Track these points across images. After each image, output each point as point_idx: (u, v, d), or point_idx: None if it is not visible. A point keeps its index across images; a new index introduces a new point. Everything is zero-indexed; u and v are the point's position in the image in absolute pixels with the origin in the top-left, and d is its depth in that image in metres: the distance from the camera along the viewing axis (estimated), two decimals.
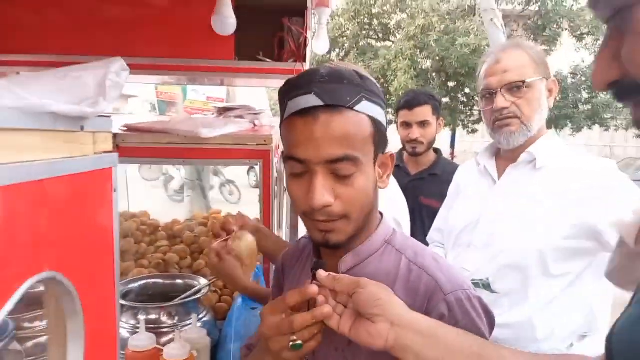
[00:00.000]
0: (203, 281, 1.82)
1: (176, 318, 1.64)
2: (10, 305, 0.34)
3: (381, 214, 0.98)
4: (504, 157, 1.51)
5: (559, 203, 1.33)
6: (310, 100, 0.80)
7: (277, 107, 0.91)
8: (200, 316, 1.68)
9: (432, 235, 1.84)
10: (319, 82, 0.81)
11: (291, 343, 0.77)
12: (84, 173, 0.43)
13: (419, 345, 0.72)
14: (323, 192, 0.80)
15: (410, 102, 2.41)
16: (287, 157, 0.84)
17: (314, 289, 0.79)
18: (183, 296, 1.72)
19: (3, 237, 0.33)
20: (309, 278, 0.87)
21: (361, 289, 0.76)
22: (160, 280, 1.87)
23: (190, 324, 1.58)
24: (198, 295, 1.72)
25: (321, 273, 0.80)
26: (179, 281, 1.86)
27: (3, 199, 0.33)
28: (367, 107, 0.83)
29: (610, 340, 0.57)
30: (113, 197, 0.49)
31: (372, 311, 0.74)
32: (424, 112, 2.39)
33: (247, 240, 1.21)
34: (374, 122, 0.84)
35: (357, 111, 0.81)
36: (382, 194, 0.98)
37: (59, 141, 0.40)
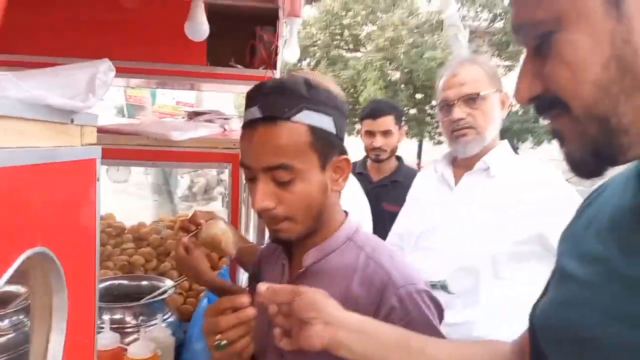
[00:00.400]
0: (169, 282, 1.84)
1: (141, 318, 1.65)
2: (8, 274, 0.38)
3: (346, 212, 1.04)
4: (460, 165, 1.60)
5: (510, 210, 1.42)
6: (254, 112, 0.89)
7: (243, 113, 0.99)
8: (165, 317, 1.69)
9: (391, 239, 1.92)
10: (263, 94, 0.90)
11: (215, 343, 0.84)
12: (73, 162, 0.48)
13: (351, 341, 0.76)
14: (263, 197, 0.89)
15: (373, 111, 2.51)
16: (241, 164, 0.94)
17: (242, 300, 0.86)
18: (149, 297, 1.74)
19: (4, 212, 0.37)
20: (279, 275, 0.99)
21: (299, 296, 0.80)
22: (126, 282, 1.88)
23: (155, 324, 1.60)
24: (164, 296, 1.73)
25: (260, 287, 0.83)
26: (144, 282, 1.87)
27: (5, 178, 0.37)
28: (307, 117, 0.89)
29: (532, 320, 0.64)
30: (96, 186, 0.53)
31: (309, 315, 0.78)
32: (387, 121, 2.49)
33: (221, 225, 1.23)
34: (314, 130, 0.90)
35: (293, 121, 0.88)
36: (344, 199, 1.05)
37: (52, 131, 0.45)
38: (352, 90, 12.27)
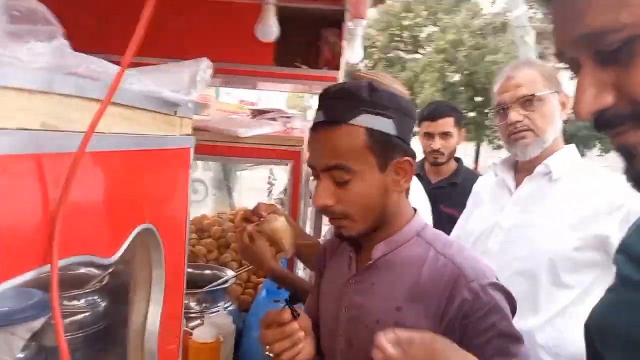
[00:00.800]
0: (230, 273, 1.91)
1: (204, 305, 1.73)
2: (124, 247, 0.43)
3: (415, 209, 1.07)
4: (522, 169, 1.57)
5: (571, 215, 1.38)
6: (319, 115, 0.97)
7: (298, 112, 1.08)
8: (226, 305, 1.77)
9: None
10: (327, 99, 0.97)
11: (266, 353, 0.93)
12: (174, 149, 0.53)
13: None
14: (322, 195, 0.95)
15: (432, 113, 2.48)
16: (307, 164, 1.03)
17: (284, 316, 0.93)
18: (211, 285, 1.82)
19: (120, 191, 0.43)
20: (345, 267, 1.05)
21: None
22: (189, 270, 1.98)
23: (217, 311, 1.67)
24: (225, 286, 1.81)
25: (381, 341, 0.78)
26: (207, 271, 1.96)
27: (125, 161, 0.43)
28: (365, 120, 0.93)
29: (588, 327, 0.64)
30: (189, 172, 0.59)
31: None
32: (446, 123, 2.45)
33: (282, 221, 1.28)
34: (372, 133, 0.94)
35: (352, 124, 0.93)
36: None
37: (160, 121, 0.50)
38: (409, 92, 12.14)
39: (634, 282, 0.59)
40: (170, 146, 0.53)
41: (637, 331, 0.54)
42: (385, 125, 0.95)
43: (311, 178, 1.07)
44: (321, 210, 0.99)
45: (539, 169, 1.49)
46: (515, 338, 0.91)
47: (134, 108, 0.44)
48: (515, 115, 1.47)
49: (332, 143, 0.94)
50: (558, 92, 1.49)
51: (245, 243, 1.31)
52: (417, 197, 1.86)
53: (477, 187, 1.84)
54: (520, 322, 1.40)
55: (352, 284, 1.04)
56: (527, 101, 1.46)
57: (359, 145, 0.94)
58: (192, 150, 0.59)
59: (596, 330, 0.63)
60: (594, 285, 1.37)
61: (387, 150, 0.95)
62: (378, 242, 1.01)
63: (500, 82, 1.56)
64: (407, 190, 1.04)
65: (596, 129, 0.52)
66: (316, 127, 0.97)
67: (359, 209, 0.96)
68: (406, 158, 0.98)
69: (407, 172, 0.99)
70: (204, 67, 0.56)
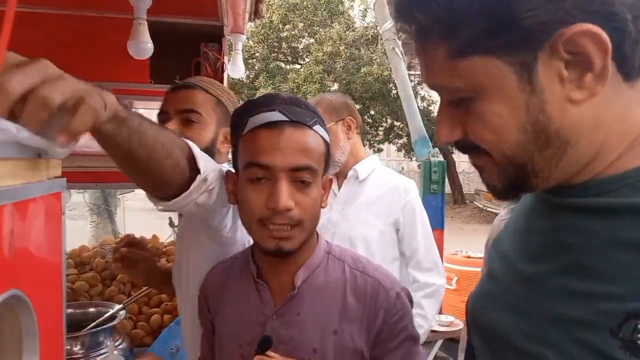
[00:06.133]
0: (117, 307, 1.77)
1: (89, 348, 1.58)
2: None
3: None
4: (339, 175, 1.97)
5: (376, 208, 1.87)
6: (275, 116, 0.90)
7: None
8: (116, 344, 1.63)
9: None
10: (281, 103, 0.92)
11: None
12: (41, 197, 0.46)
13: None
14: (286, 195, 0.88)
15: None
16: (248, 164, 0.91)
17: None
18: (95, 322, 1.66)
19: None
20: (255, 303, 0.97)
21: None
22: (70, 310, 1.79)
23: (105, 353, 1.54)
24: (113, 322, 1.67)
25: None
26: (91, 309, 1.80)
27: None
28: (320, 130, 0.95)
29: (466, 308, 0.72)
30: (62, 220, 0.51)
31: None
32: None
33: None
34: (326, 144, 0.96)
35: (314, 131, 0.93)
36: None
37: (21, 169, 0.43)
38: None
39: (496, 276, 0.67)
40: (37, 194, 0.45)
41: (494, 321, 0.62)
42: (328, 140, 0.97)
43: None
44: (278, 215, 0.89)
45: (350, 173, 1.93)
46: (417, 339, 0.98)
47: None
48: None
49: (302, 143, 0.90)
50: (341, 119, 1.87)
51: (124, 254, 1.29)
52: None
53: None
54: None
55: (274, 319, 0.95)
56: None
57: (321, 151, 0.94)
58: (63, 195, 0.51)
59: (468, 314, 0.71)
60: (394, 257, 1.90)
61: (327, 165, 0.97)
62: (297, 266, 0.96)
63: None
64: None
65: (457, 150, 0.63)
66: (276, 125, 0.90)
67: (310, 217, 0.92)
68: (330, 177, 1.00)
69: (327, 190, 1.00)
70: None
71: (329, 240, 1.05)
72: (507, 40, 0.51)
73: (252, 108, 0.94)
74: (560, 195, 0.58)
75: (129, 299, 1.95)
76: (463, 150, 0.61)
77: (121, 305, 1.79)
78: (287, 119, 0.90)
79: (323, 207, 0.98)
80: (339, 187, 1.97)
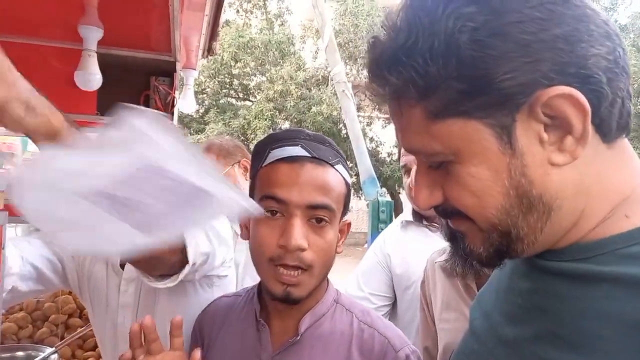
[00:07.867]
0: (48, 350, 1.66)
1: None
2: None
3: None
4: None
5: None
6: (297, 150, 0.87)
7: None
8: None
9: None
10: (304, 139, 0.89)
11: None
12: None
13: None
14: (299, 234, 0.82)
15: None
16: (264, 196, 0.86)
17: None
18: None
19: None
20: (252, 345, 0.91)
21: None
22: None
23: None
24: None
25: None
26: (19, 353, 1.67)
27: None
28: (342, 171, 0.91)
29: None
30: (2, 255, 0.48)
31: None
32: None
33: None
34: (347, 186, 0.92)
35: (336, 170, 0.89)
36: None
37: None
38: (242, 139, 12.33)
39: (478, 334, 0.65)
40: None
41: None
42: (349, 182, 0.93)
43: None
44: (289, 255, 0.83)
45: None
46: None
47: None
48: None
49: (321, 180, 0.86)
50: (238, 161, 1.87)
51: None
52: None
53: None
54: None
55: None
56: None
57: (341, 192, 0.89)
58: (4, 229, 0.49)
59: None
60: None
61: (347, 207, 0.92)
62: (303, 312, 0.91)
63: None
64: None
65: (437, 215, 0.60)
66: (296, 160, 0.86)
67: (323, 262, 0.86)
68: (349, 221, 0.95)
69: (344, 234, 0.94)
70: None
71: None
72: (484, 102, 0.50)
73: (275, 140, 0.91)
74: (543, 257, 0.56)
75: (62, 341, 1.83)
76: (444, 215, 0.59)
77: (53, 349, 1.68)
78: (308, 155, 0.87)
79: (338, 253, 0.92)
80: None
